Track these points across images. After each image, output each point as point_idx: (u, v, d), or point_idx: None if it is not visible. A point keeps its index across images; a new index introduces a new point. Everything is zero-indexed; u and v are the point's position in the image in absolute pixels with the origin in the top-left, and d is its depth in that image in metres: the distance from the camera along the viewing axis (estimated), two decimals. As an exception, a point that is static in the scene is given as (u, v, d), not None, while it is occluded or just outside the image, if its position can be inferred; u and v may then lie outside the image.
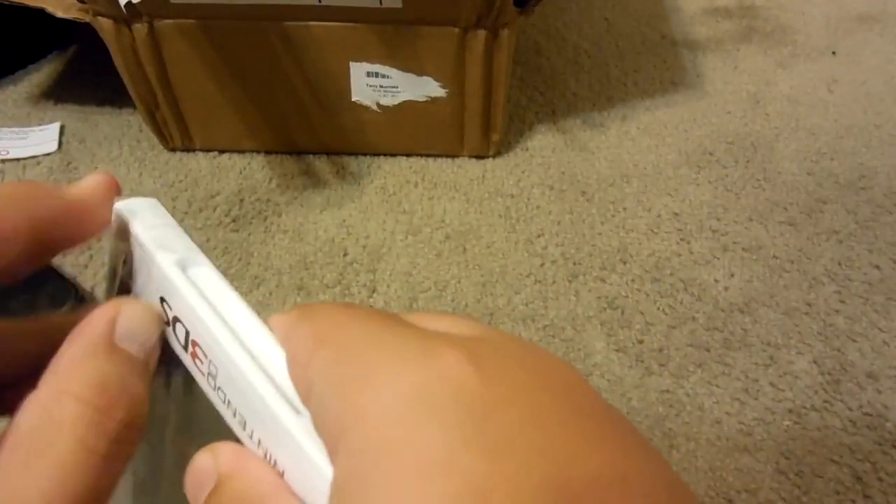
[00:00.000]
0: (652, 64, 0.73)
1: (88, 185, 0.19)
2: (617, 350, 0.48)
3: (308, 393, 0.14)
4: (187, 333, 0.17)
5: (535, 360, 0.14)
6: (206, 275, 0.18)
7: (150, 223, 0.18)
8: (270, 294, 0.51)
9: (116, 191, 0.19)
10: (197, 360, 0.17)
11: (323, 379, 0.14)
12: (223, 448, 0.15)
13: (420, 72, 0.55)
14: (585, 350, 0.48)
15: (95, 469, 0.14)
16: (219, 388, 0.16)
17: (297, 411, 0.15)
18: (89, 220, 0.18)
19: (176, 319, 0.17)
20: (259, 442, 0.15)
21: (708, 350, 0.48)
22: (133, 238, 0.18)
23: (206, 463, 0.15)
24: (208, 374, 0.17)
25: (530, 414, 0.13)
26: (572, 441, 0.12)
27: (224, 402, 0.16)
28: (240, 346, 0.16)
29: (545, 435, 0.12)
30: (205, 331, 0.16)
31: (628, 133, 0.65)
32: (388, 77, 0.56)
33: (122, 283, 0.20)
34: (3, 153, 0.62)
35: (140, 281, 0.19)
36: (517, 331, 0.49)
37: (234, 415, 0.16)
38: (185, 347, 0.17)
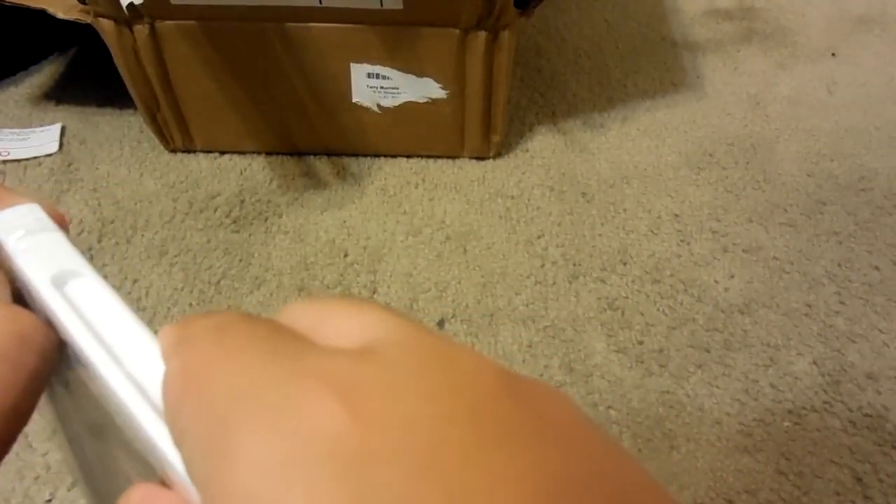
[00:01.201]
0: (652, 65, 0.73)
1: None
2: (617, 351, 0.48)
3: (180, 440, 0.13)
4: (74, 355, 0.16)
5: (437, 372, 0.13)
6: (88, 287, 0.17)
7: (28, 235, 0.17)
8: (271, 295, 0.51)
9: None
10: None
11: (191, 436, 0.13)
12: (134, 495, 0.14)
13: (421, 73, 0.55)
14: (586, 351, 0.48)
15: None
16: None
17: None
18: None
19: (62, 342, 0.16)
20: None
21: (708, 351, 0.48)
22: (9, 257, 0.17)
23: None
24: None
25: (419, 460, 0.11)
26: (476, 482, 0.11)
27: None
28: (118, 371, 0.15)
29: (440, 483, 0.11)
30: (81, 355, 0.15)
31: (628, 134, 0.65)
32: (388, 78, 0.56)
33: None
34: (4, 154, 0.62)
35: (29, 299, 0.18)
36: (518, 332, 0.49)
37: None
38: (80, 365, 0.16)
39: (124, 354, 0.15)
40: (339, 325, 0.15)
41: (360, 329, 0.14)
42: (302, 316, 0.16)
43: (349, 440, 0.11)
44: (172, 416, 0.13)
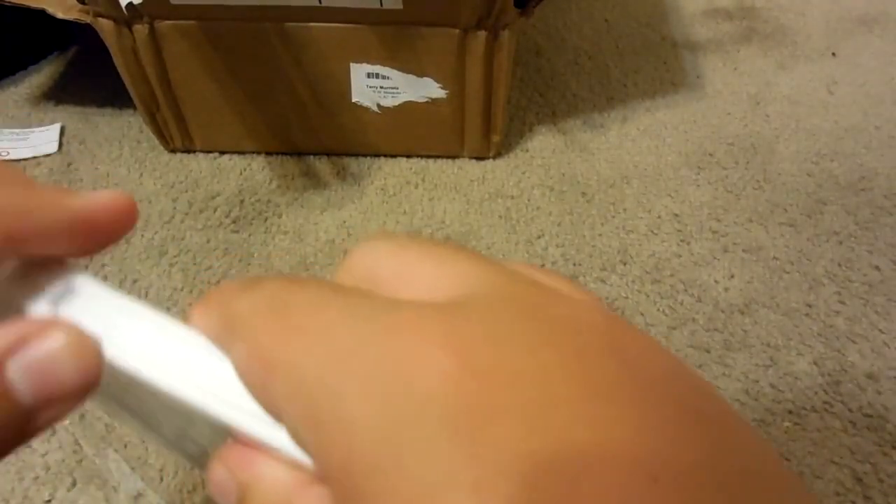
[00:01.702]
0: (652, 65, 0.73)
1: (102, 200, 0.16)
2: (617, 351, 0.48)
3: (279, 417, 0.13)
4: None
5: (539, 323, 0.12)
6: (87, 302, 0.15)
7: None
8: (271, 295, 0.51)
9: (131, 218, 0.17)
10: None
11: (291, 415, 0.12)
12: (231, 455, 0.14)
13: (420, 73, 0.55)
14: (586, 351, 0.48)
15: None
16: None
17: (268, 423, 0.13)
18: (91, 239, 0.16)
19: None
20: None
21: (708, 351, 0.48)
22: None
23: (222, 476, 0.14)
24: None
25: (533, 414, 0.11)
26: (588, 438, 0.10)
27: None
28: (178, 382, 0.14)
29: (554, 438, 0.10)
30: (125, 374, 0.14)
31: (628, 134, 0.65)
32: (388, 78, 0.56)
33: None
34: (3, 154, 0.62)
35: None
36: (517, 332, 0.49)
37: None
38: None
39: (166, 353, 0.14)
40: (425, 275, 0.14)
41: (450, 280, 0.13)
42: (380, 264, 0.15)
43: (461, 396, 0.11)
44: (263, 398, 0.13)
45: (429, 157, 0.62)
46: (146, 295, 0.51)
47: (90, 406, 0.43)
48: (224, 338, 0.14)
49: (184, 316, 0.15)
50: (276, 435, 0.13)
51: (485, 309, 0.12)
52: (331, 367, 0.12)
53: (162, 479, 0.41)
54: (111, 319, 0.15)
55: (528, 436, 0.10)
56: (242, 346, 0.13)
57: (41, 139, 0.64)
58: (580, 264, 0.53)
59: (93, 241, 0.16)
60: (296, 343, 0.12)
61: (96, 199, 0.17)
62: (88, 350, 0.14)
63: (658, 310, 0.50)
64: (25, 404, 0.13)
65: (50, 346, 0.14)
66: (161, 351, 0.15)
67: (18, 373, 0.13)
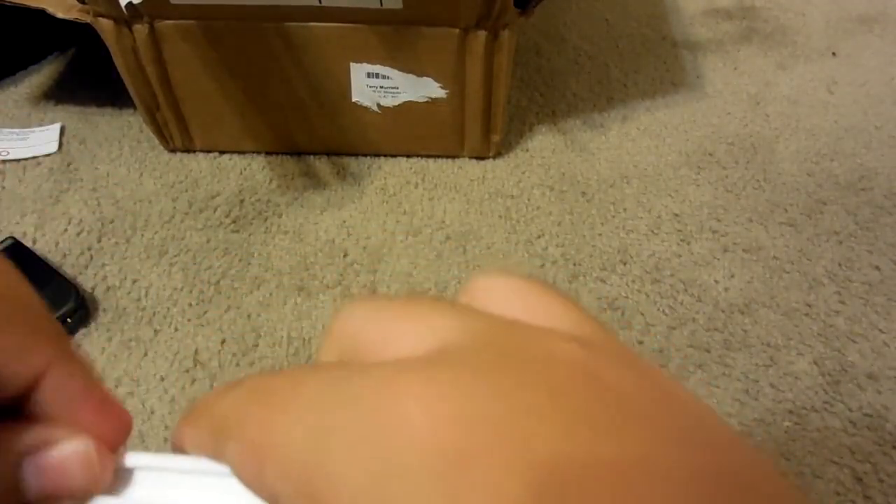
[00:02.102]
0: (652, 65, 0.73)
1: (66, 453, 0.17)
2: (617, 351, 0.48)
3: (278, 501, 0.13)
4: None
5: (512, 367, 0.13)
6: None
7: None
8: (271, 295, 0.51)
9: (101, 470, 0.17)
10: None
11: (285, 494, 0.13)
12: None
13: (420, 73, 0.55)
14: (586, 351, 0.48)
15: None
16: None
17: None
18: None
19: None
20: None
21: (708, 351, 0.48)
22: None
23: None
24: None
25: (509, 456, 0.11)
26: (567, 473, 0.11)
27: None
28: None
29: (531, 476, 0.11)
30: None
31: (628, 134, 0.65)
32: (388, 78, 0.56)
33: None
34: (3, 154, 0.62)
35: None
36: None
37: None
38: None
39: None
40: (405, 334, 0.14)
41: (428, 335, 0.14)
42: (362, 330, 0.15)
43: (440, 444, 0.11)
44: (260, 489, 0.13)
45: (429, 156, 0.62)
46: (146, 294, 0.51)
47: None
48: (217, 444, 0.14)
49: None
50: None
51: (459, 359, 0.13)
52: (314, 437, 0.12)
53: None
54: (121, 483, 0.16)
55: (505, 476, 0.11)
56: (234, 444, 0.14)
57: (41, 139, 0.64)
58: (580, 264, 0.53)
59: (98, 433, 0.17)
60: (279, 424, 0.13)
61: (118, 406, 0.18)
62: (98, 460, 0.16)
63: (658, 310, 0.50)
64: (30, 499, 0.15)
65: (64, 452, 0.15)
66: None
67: (32, 472, 0.15)
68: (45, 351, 0.16)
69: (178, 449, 0.16)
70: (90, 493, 0.16)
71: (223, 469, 0.15)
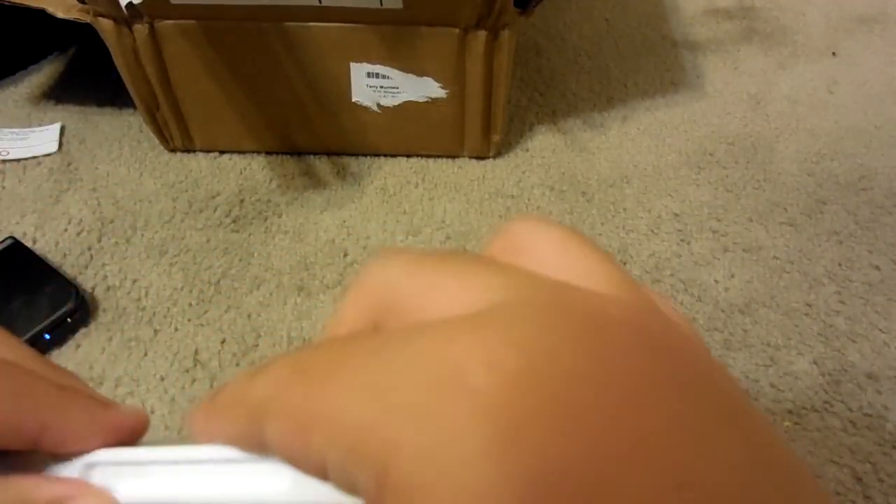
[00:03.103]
0: (652, 65, 0.73)
1: (129, 415, 0.18)
2: (617, 351, 0.48)
3: (323, 469, 0.13)
4: None
5: (565, 326, 0.12)
6: (114, 468, 0.17)
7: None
8: (271, 294, 0.51)
9: (145, 428, 0.19)
10: None
11: (336, 463, 0.12)
12: None
13: (420, 72, 0.55)
14: (586, 351, 0.48)
15: None
16: None
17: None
18: (113, 442, 0.18)
19: None
20: None
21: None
22: None
23: None
24: None
25: (565, 419, 0.11)
26: (619, 442, 0.11)
27: None
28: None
29: (584, 441, 0.11)
30: None
31: (628, 134, 0.65)
32: (388, 78, 0.56)
33: None
34: (3, 154, 0.62)
35: None
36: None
37: None
38: None
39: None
40: (446, 291, 0.14)
41: (472, 292, 0.13)
42: (396, 286, 0.14)
43: (501, 409, 0.11)
44: (306, 459, 0.13)
45: (429, 156, 0.62)
46: (146, 294, 0.51)
47: None
48: (254, 430, 0.14)
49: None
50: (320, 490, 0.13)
51: (512, 318, 0.12)
52: (367, 402, 0.12)
53: None
54: (141, 480, 0.17)
55: (556, 442, 0.11)
56: (275, 422, 0.13)
57: (41, 139, 0.64)
58: (580, 264, 0.53)
59: (114, 442, 0.18)
60: (328, 394, 0.13)
61: (125, 413, 0.18)
62: None
63: (658, 309, 0.50)
64: None
65: None
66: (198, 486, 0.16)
67: None
68: (36, 413, 0.17)
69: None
70: None
71: (233, 455, 0.15)
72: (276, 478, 0.14)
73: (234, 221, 0.56)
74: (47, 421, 0.17)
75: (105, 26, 0.53)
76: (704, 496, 0.10)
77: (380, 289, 0.15)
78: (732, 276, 0.52)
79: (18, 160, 0.62)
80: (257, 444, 0.14)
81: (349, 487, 0.12)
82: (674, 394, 0.12)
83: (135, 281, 0.52)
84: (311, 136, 0.61)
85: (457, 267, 0.14)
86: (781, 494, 0.11)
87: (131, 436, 0.18)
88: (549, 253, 0.15)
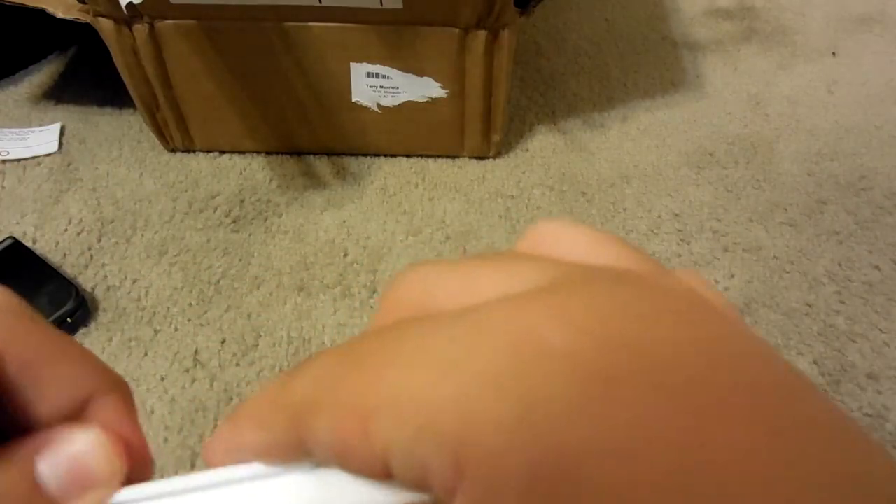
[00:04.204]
0: (652, 65, 0.73)
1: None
2: (617, 351, 0.48)
3: (385, 459, 0.12)
4: None
5: (647, 296, 0.12)
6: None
7: None
8: (271, 294, 0.51)
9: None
10: None
11: (399, 438, 0.12)
12: None
13: (420, 72, 0.55)
14: (586, 351, 0.48)
15: None
16: None
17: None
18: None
19: None
20: None
21: (708, 351, 0.48)
22: None
23: None
24: None
25: (657, 380, 0.11)
26: (708, 411, 0.11)
27: None
28: None
29: (679, 403, 0.11)
30: None
31: (628, 134, 0.65)
32: (388, 78, 0.56)
33: None
34: (3, 154, 0.62)
35: None
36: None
37: None
38: None
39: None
40: (491, 281, 0.13)
41: (520, 279, 0.13)
42: (435, 286, 0.14)
43: (585, 370, 0.11)
44: (363, 452, 0.12)
45: (429, 156, 0.62)
46: (146, 294, 0.51)
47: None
48: (296, 433, 0.13)
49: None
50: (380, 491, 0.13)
51: (573, 284, 0.12)
52: (437, 377, 0.11)
53: None
54: None
55: (647, 398, 0.11)
56: (325, 419, 0.12)
57: (41, 139, 0.64)
58: (580, 264, 0.53)
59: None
60: (388, 377, 0.12)
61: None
62: (114, 449, 0.15)
63: (658, 309, 0.50)
64: (53, 497, 0.15)
65: (77, 445, 0.15)
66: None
67: (49, 470, 0.15)
68: (90, 379, 0.16)
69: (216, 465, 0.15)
70: (112, 484, 0.15)
71: (242, 473, 0.14)
72: (311, 485, 0.14)
73: (234, 221, 0.56)
74: (97, 389, 0.16)
75: (105, 26, 0.53)
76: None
77: (417, 291, 0.14)
78: (732, 276, 0.52)
79: (18, 160, 0.62)
80: (299, 449, 0.13)
81: (416, 477, 0.12)
82: (757, 364, 0.12)
83: (135, 281, 0.52)
84: (311, 136, 0.61)
85: (494, 263, 0.13)
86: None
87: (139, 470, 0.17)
88: (581, 245, 0.14)
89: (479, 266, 0.13)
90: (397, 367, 0.12)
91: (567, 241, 0.14)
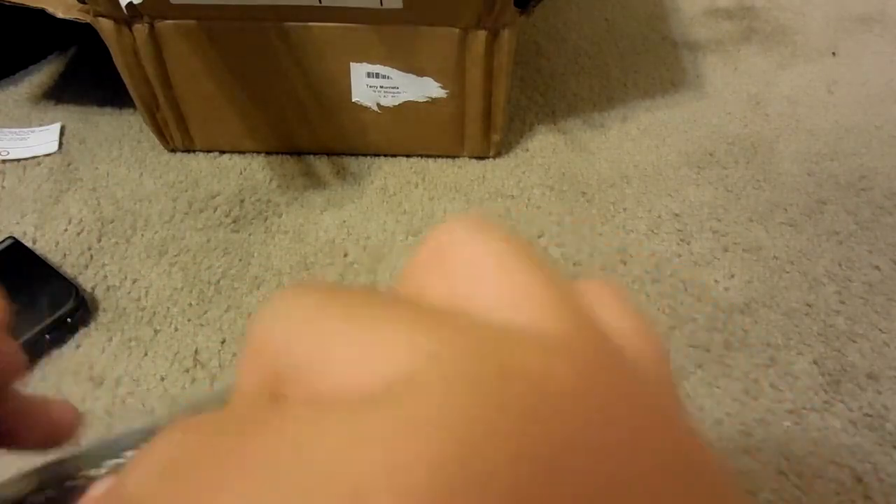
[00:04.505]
0: (652, 65, 0.73)
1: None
2: (617, 351, 0.48)
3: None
4: None
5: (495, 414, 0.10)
6: None
7: None
8: (271, 294, 0.51)
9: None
10: None
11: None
12: None
13: (420, 72, 0.55)
14: (586, 351, 0.48)
15: None
16: None
17: None
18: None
19: None
20: None
21: (708, 351, 0.48)
22: None
23: None
24: None
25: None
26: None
27: None
28: None
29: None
30: None
31: (629, 134, 0.65)
32: (388, 77, 0.56)
33: None
34: (3, 154, 0.62)
35: None
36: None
37: None
38: None
39: None
40: (358, 354, 0.11)
41: (389, 357, 0.11)
42: (294, 342, 0.12)
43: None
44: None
45: (429, 156, 0.62)
46: (146, 294, 0.51)
47: None
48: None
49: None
50: None
51: (426, 406, 0.10)
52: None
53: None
54: None
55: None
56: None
57: (41, 139, 0.64)
58: (580, 264, 0.53)
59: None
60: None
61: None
62: None
63: (658, 309, 0.50)
64: None
65: None
66: None
67: None
68: None
69: None
70: None
71: None
72: None
73: (234, 221, 0.56)
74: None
75: (105, 26, 0.53)
76: None
77: (273, 346, 0.12)
78: (732, 276, 0.52)
79: (18, 160, 0.62)
80: None
81: None
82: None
83: (135, 281, 0.52)
84: (311, 136, 0.61)
85: (369, 315, 0.12)
86: None
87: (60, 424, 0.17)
88: (481, 271, 0.13)
89: (349, 321, 0.11)
90: (220, 493, 0.10)
91: (469, 265, 0.13)
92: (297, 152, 0.63)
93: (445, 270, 0.13)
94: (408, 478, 0.09)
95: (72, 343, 0.48)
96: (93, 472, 0.16)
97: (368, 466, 0.09)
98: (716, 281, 0.52)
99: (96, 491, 0.14)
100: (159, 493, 0.10)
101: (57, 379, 0.46)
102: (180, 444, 0.11)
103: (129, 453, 0.16)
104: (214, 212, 0.57)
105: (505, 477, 0.09)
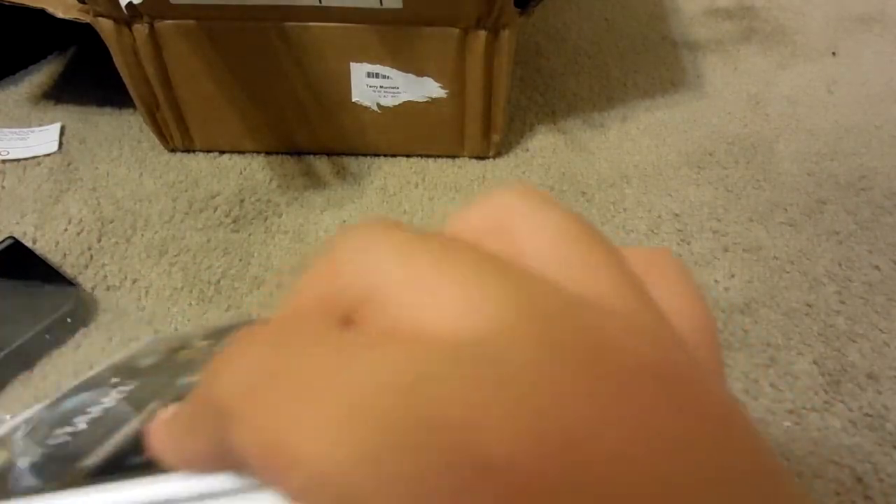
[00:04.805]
0: (652, 64, 0.73)
1: None
2: (617, 351, 0.48)
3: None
4: None
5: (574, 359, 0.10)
6: None
7: None
8: (271, 294, 0.51)
9: None
10: None
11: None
12: None
13: (420, 72, 0.55)
14: (586, 351, 0.48)
15: None
16: None
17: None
18: None
19: None
20: None
21: (708, 351, 0.48)
22: None
23: None
24: None
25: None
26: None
27: None
28: None
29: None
30: None
31: (628, 134, 0.65)
32: (388, 78, 0.56)
33: None
34: (3, 154, 0.62)
35: None
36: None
37: None
38: None
39: None
40: (440, 299, 0.11)
41: (472, 312, 0.11)
42: (381, 273, 0.12)
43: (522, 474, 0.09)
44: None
45: (429, 156, 0.62)
46: (146, 294, 0.51)
47: None
48: (223, 446, 0.12)
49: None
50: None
51: (495, 363, 0.10)
52: (339, 436, 0.10)
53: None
54: None
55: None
56: (246, 436, 0.11)
57: (41, 139, 0.64)
58: (580, 264, 0.53)
59: None
60: (304, 420, 0.10)
61: None
62: None
63: (658, 309, 0.50)
64: None
65: None
66: None
67: None
68: None
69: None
70: None
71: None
72: None
73: (234, 221, 0.56)
74: None
75: (105, 26, 0.53)
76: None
77: (355, 273, 0.12)
78: (732, 276, 0.52)
79: (18, 160, 0.62)
80: (229, 464, 0.12)
81: None
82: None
83: (135, 281, 0.52)
84: (311, 136, 0.61)
85: (459, 271, 0.12)
86: None
87: None
88: (544, 239, 0.13)
89: (439, 273, 0.12)
90: (311, 406, 0.10)
91: (529, 227, 0.13)
92: (297, 152, 0.63)
93: (504, 238, 0.13)
94: (504, 422, 0.09)
95: (72, 343, 0.48)
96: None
97: (460, 399, 0.10)
98: (716, 281, 0.52)
99: (166, 414, 0.14)
100: (253, 402, 0.11)
101: (57, 379, 0.46)
102: (260, 357, 0.11)
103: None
104: (214, 212, 0.57)
105: (590, 443, 0.10)
